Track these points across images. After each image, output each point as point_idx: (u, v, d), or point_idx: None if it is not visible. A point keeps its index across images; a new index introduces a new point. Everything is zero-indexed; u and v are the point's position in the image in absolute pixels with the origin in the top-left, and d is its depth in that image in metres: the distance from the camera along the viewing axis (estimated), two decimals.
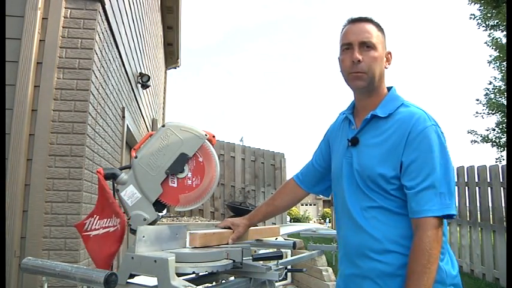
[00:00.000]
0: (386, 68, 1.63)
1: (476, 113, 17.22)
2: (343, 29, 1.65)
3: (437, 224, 1.40)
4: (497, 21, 13.75)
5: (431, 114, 1.54)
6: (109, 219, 1.50)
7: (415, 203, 1.43)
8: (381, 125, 1.56)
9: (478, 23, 15.24)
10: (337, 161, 1.71)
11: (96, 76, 3.39)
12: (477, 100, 17.14)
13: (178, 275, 1.32)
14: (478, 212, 6.21)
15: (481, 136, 16.82)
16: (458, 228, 6.57)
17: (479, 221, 6.19)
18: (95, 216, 1.54)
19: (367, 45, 1.56)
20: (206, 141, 1.65)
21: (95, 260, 1.52)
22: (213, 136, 1.69)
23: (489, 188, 6.01)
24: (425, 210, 1.41)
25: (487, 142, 16.62)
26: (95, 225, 1.53)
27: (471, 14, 15.34)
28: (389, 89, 1.66)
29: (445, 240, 1.50)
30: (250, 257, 1.69)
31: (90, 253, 1.55)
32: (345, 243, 1.64)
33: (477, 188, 6.20)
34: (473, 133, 17.00)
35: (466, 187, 6.40)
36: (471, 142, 17.08)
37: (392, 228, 1.48)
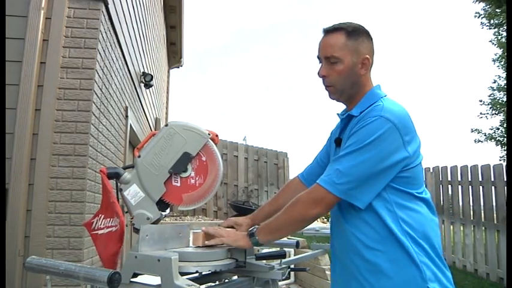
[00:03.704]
0: (364, 74, 1.62)
1: (480, 113, 17.20)
2: None
3: (320, 192, 1.48)
4: (502, 20, 13.71)
5: (401, 111, 1.52)
6: (112, 219, 1.51)
7: None
8: (354, 123, 1.58)
9: (481, 22, 15.19)
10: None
11: (99, 75, 3.39)
12: (480, 101, 17.11)
13: (182, 274, 1.33)
14: (482, 211, 6.20)
15: (485, 135, 16.78)
16: (461, 228, 6.56)
17: (483, 220, 6.18)
18: (100, 215, 1.55)
19: (331, 60, 1.59)
20: (209, 140, 1.66)
21: (101, 259, 1.53)
22: (216, 135, 1.69)
23: (493, 187, 6.00)
24: (320, 178, 1.52)
25: (491, 140, 16.58)
26: (101, 224, 1.54)
27: (476, 13, 15.30)
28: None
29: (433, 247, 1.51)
30: (253, 256, 1.69)
31: (98, 252, 1.56)
32: (332, 241, 1.70)
33: (481, 187, 6.19)
34: (477, 132, 16.96)
35: (470, 186, 6.39)
36: (475, 141, 17.04)
37: (370, 227, 1.50)
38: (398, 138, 1.46)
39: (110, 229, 1.51)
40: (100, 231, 1.53)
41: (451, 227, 6.76)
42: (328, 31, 1.63)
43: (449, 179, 6.76)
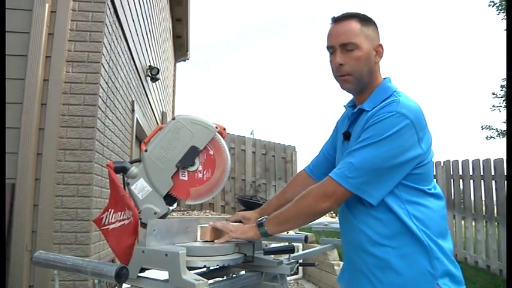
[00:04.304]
0: (377, 62, 1.61)
1: (493, 106, 16.99)
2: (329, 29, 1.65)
3: (331, 185, 1.47)
4: None
5: (417, 107, 1.50)
6: (123, 212, 1.51)
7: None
8: (366, 118, 1.56)
9: (497, 8, 14.99)
10: (337, 156, 1.74)
11: (105, 69, 3.41)
12: (493, 94, 16.92)
13: (190, 268, 1.34)
14: (495, 206, 6.15)
15: (496, 131, 16.59)
16: (473, 223, 6.51)
17: (495, 215, 6.13)
18: (109, 210, 1.56)
19: (348, 47, 1.55)
20: (217, 134, 1.66)
21: (116, 253, 1.53)
22: (224, 129, 1.69)
23: (505, 182, 5.95)
24: (332, 171, 1.51)
25: (503, 137, 16.39)
26: (111, 219, 1.54)
27: (490, 1, 15.12)
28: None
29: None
30: (262, 251, 1.70)
31: (111, 246, 1.56)
32: (342, 238, 1.69)
33: (493, 181, 6.14)
34: (489, 128, 16.77)
35: (482, 180, 6.34)
36: (486, 138, 16.84)
37: (381, 223, 1.49)
38: (414, 135, 1.45)
39: (122, 222, 1.51)
40: (111, 226, 1.54)
41: (462, 222, 6.71)
42: (339, 19, 1.59)
43: (460, 173, 6.71)
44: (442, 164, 7.05)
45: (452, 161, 6.86)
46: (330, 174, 1.50)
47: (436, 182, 6.11)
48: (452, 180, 6.89)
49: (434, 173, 6.83)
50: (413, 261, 1.44)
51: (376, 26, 1.62)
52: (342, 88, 1.64)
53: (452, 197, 6.85)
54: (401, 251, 1.45)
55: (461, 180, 6.73)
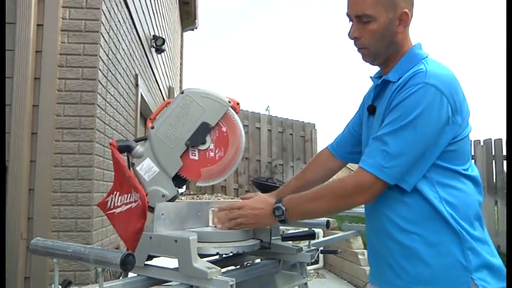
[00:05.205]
0: (402, 32, 1.56)
1: None
2: None
3: (367, 178, 1.44)
4: None
5: (448, 75, 1.48)
6: (129, 195, 1.53)
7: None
8: (392, 90, 1.54)
9: None
10: (363, 132, 1.73)
11: (105, 39, 3.41)
12: None
13: (201, 256, 1.35)
14: None
15: None
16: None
17: None
18: (115, 192, 1.57)
19: (363, 19, 1.53)
20: (230, 109, 1.66)
21: (123, 239, 1.56)
22: (238, 103, 1.69)
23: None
24: (363, 161, 1.47)
25: None
26: (117, 202, 1.56)
27: None
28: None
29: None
30: (279, 237, 1.71)
31: (118, 232, 1.59)
32: (366, 224, 1.69)
33: None
34: None
35: None
36: None
37: (408, 208, 1.48)
38: (446, 106, 1.42)
39: (128, 206, 1.53)
40: (118, 210, 1.56)
41: (506, 209, 6.64)
42: None
43: (503, 153, 6.61)
44: (481, 144, 6.94)
45: (495, 140, 6.74)
46: (362, 166, 1.47)
47: (475, 163, 5.98)
48: (494, 161, 6.78)
49: (473, 153, 6.75)
50: (443, 250, 1.43)
51: None
52: (363, 60, 1.64)
53: (494, 180, 6.74)
54: (430, 239, 1.44)
55: (504, 162, 6.63)
